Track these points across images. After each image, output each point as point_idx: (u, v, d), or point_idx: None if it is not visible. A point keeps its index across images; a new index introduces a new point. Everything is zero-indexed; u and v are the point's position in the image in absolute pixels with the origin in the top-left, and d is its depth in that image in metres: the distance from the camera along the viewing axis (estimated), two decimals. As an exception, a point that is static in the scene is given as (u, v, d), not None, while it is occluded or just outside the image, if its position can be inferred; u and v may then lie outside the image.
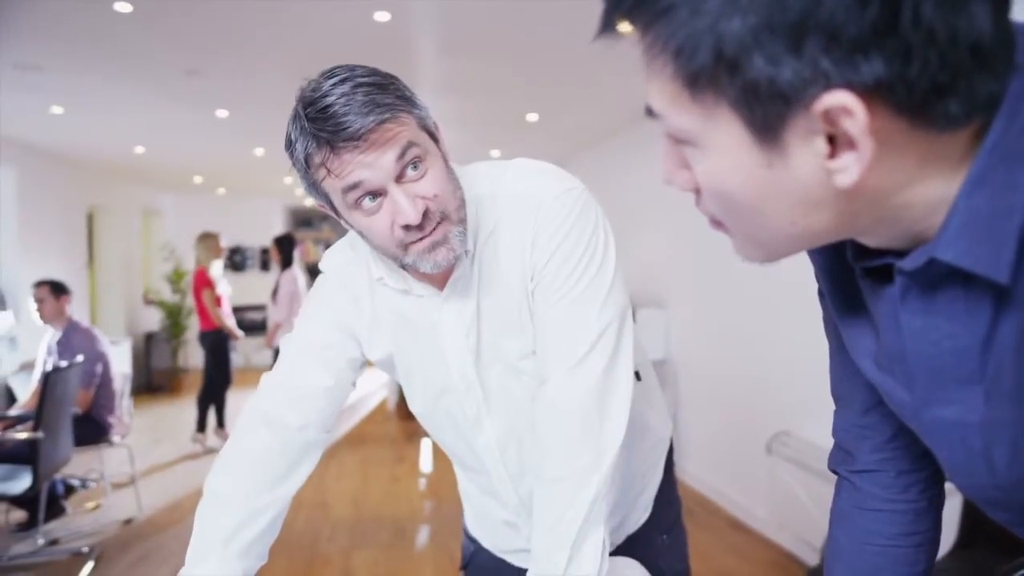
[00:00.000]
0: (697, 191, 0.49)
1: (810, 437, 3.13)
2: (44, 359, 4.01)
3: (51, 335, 4.05)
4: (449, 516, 3.93)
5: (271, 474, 0.90)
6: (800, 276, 3.38)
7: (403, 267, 0.92)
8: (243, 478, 0.88)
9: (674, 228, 4.34)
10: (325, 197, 0.86)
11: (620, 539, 1.09)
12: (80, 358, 3.76)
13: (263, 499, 0.87)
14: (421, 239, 0.84)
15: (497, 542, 1.13)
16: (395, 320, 0.97)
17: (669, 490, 1.16)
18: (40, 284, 4.01)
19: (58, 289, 4.00)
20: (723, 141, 0.43)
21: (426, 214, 0.82)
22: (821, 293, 0.65)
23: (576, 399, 0.87)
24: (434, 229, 0.84)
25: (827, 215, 0.45)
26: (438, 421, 1.02)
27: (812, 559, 2.95)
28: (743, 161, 0.43)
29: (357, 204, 0.82)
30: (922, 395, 0.50)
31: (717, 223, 0.50)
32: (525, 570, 0.94)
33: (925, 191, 0.43)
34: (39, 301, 3.97)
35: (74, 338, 3.95)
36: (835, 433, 0.73)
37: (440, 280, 0.93)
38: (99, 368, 3.92)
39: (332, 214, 0.89)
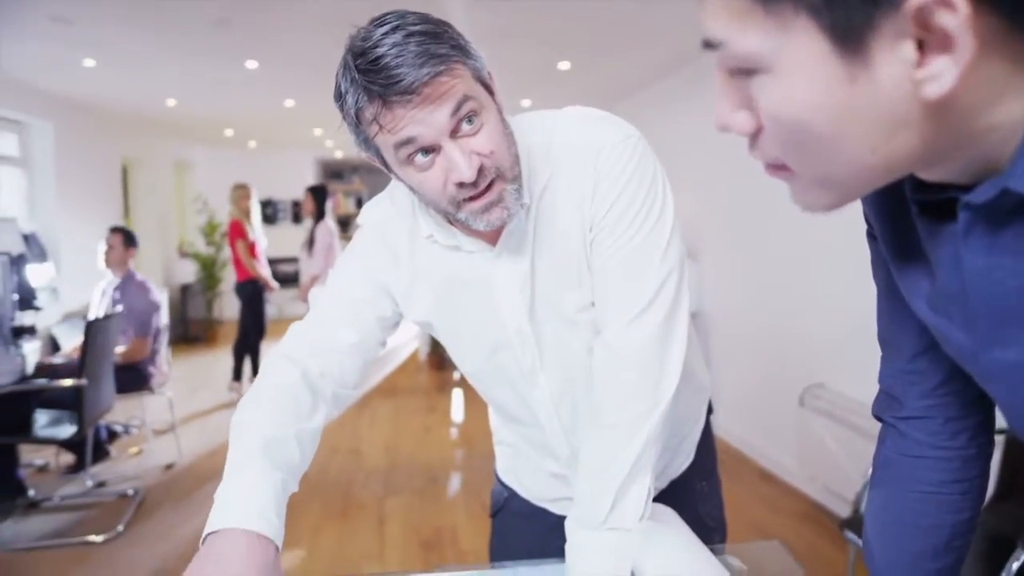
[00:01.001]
0: (756, 133, 0.46)
1: (843, 390, 3.10)
2: (98, 303, 4.12)
3: (108, 281, 4.18)
4: (480, 464, 4.00)
5: (293, 406, 0.88)
6: (835, 229, 3.31)
7: (451, 222, 0.90)
8: (267, 408, 0.87)
9: (706, 180, 4.26)
10: (376, 151, 0.83)
11: (663, 484, 1.10)
12: (119, 308, 3.85)
13: (288, 428, 0.85)
14: (475, 198, 0.82)
15: (539, 492, 1.13)
16: (441, 278, 0.95)
17: (708, 438, 1.17)
18: (115, 230, 4.16)
19: (129, 240, 4.14)
20: (799, 58, 0.40)
21: (481, 171, 0.80)
22: (871, 234, 0.63)
23: (636, 348, 0.87)
24: (488, 187, 0.81)
25: (910, 138, 0.42)
26: (491, 378, 1.01)
27: (843, 511, 2.95)
28: (822, 79, 0.40)
29: (409, 160, 0.80)
30: (983, 337, 0.48)
31: (778, 167, 0.47)
32: (561, 517, 0.95)
33: (1010, 112, 0.41)
34: (109, 247, 4.11)
35: (131, 288, 4.05)
36: (881, 379, 0.71)
37: (491, 235, 0.91)
38: (155, 320, 4.04)
39: (383, 168, 0.87)
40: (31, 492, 3.45)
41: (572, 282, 0.91)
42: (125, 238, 4.12)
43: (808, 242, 3.35)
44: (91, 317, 3.91)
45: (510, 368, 0.97)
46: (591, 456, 0.89)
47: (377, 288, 0.97)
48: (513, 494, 1.17)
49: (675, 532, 0.96)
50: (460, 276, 0.94)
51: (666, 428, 0.91)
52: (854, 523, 2.08)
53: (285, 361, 0.93)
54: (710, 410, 1.17)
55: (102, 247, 4.12)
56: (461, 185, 0.80)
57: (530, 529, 1.13)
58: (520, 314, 0.92)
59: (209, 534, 0.74)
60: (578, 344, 0.93)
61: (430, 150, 0.79)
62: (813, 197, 0.48)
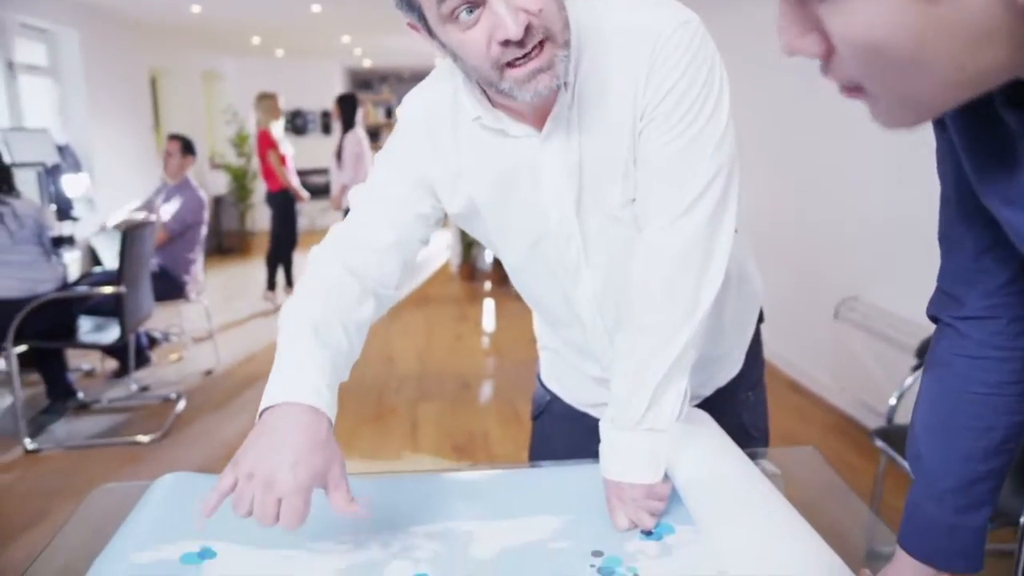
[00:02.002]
0: (828, 56, 0.41)
1: (880, 303, 3.05)
2: (151, 201, 4.18)
3: (165, 187, 4.24)
4: (512, 372, 4.05)
5: (338, 296, 0.87)
6: (877, 139, 3.16)
7: (495, 105, 0.86)
8: (312, 299, 0.87)
9: (745, 81, 4.09)
10: (417, 11, 0.78)
11: (709, 391, 1.08)
12: (165, 210, 3.93)
13: (334, 316, 0.85)
14: (522, 62, 0.76)
15: (580, 397, 1.13)
16: (484, 166, 0.91)
17: (757, 347, 1.14)
18: (173, 138, 4.19)
19: (187, 148, 4.17)
20: None
21: (528, 30, 0.74)
22: (940, 123, 0.58)
23: (679, 246, 0.84)
24: (535, 50, 0.76)
25: (1000, 49, 0.37)
26: (533, 272, 0.98)
27: (873, 423, 2.95)
28: None
29: (452, 16, 0.75)
30: None
31: (854, 89, 0.42)
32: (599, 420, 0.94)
33: None
34: (168, 154, 4.15)
35: (185, 194, 4.09)
36: (940, 278, 0.67)
37: (538, 121, 0.87)
38: (197, 232, 4.10)
39: (423, 33, 0.81)
40: (80, 395, 3.59)
41: (618, 175, 0.87)
42: (183, 146, 4.15)
43: (848, 152, 3.23)
44: (151, 216, 3.99)
45: (553, 262, 0.94)
46: (628, 357, 0.88)
47: (416, 183, 0.94)
48: (555, 398, 1.17)
49: (710, 435, 0.95)
50: (505, 164, 0.90)
51: (704, 331, 0.89)
52: (887, 433, 2.07)
53: (326, 258, 0.92)
54: (761, 318, 1.14)
55: (149, 154, 4.15)
56: (506, 44, 0.74)
57: (570, 432, 1.13)
58: (566, 204, 0.89)
59: (264, 410, 0.76)
60: (623, 242, 0.90)
61: (475, 6, 0.74)
62: (895, 118, 0.43)
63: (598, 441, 0.92)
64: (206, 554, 0.80)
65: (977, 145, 0.53)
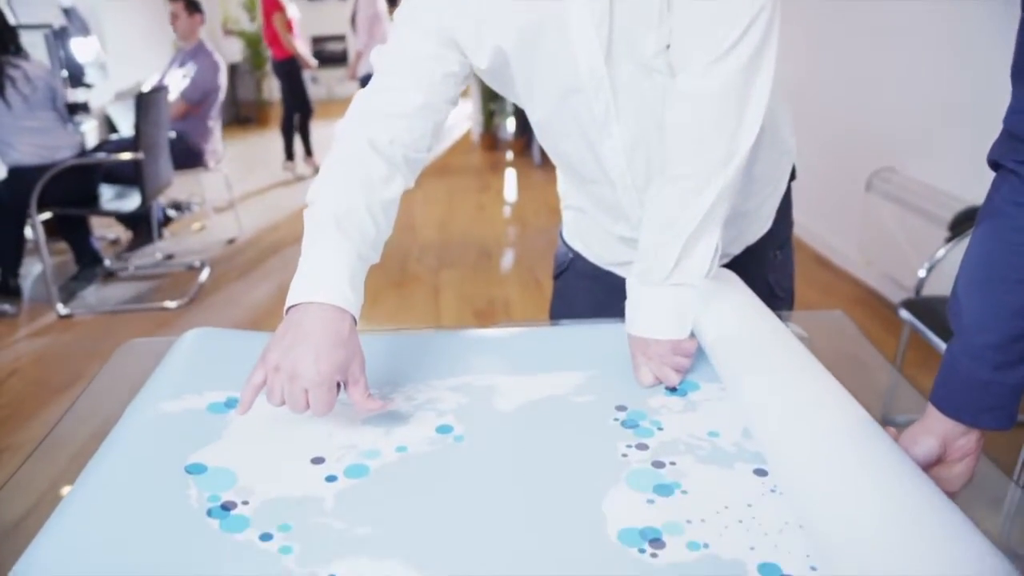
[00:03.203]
0: None
1: (915, 174, 2.94)
2: (167, 70, 4.08)
3: (179, 51, 4.14)
4: (533, 241, 4.05)
5: (363, 177, 0.85)
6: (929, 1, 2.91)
7: None
8: (336, 182, 0.84)
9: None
10: None
11: (738, 250, 1.05)
12: (183, 75, 3.84)
13: (358, 199, 0.82)
14: None
15: (605, 255, 1.10)
16: (511, 16, 0.84)
17: (787, 206, 1.10)
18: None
19: (192, 6, 4.03)
20: None
21: None
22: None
23: (716, 90, 0.79)
24: None
25: None
26: (561, 127, 0.93)
27: (897, 297, 2.92)
28: None
29: None
30: None
31: None
32: (624, 278, 0.92)
33: None
34: (173, 16, 4.02)
35: (199, 59, 3.98)
36: (1008, 118, 0.62)
37: None
38: (214, 98, 4.02)
39: None
40: (107, 262, 3.64)
41: (652, 20, 0.80)
42: (186, 5, 3.99)
43: (896, 12, 3.01)
44: (165, 81, 3.90)
45: (582, 115, 0.89)
46: (658, 208, 0.84)
47: (441, 39, 0.88)
48: (578, 256, 1.14)
49: (738, 293, 0.93)
50: (532, 12, 0.83)
51: (739, 184, 0.84)
52: (914, 305, 2.05)
53: (351, 132, 0.88)
54: (793, 175, 1.09)
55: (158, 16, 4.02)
56: None
57: (593, 290, 1.12)
58: (595, 54, 0.82)
59: (289, 307, 0.76)
60: (653, 94, 0.85)
61: None
62: None
63: (621, 300, 0.90)
64: (232, 404, 0.81)
65: None
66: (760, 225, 1.06)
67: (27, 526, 0.63)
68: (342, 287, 0.76)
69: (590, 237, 1.11)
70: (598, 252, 1.11)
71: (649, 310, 0.85)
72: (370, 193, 0.84)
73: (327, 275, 0.77)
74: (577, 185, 1.05)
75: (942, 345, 1.84)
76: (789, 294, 1.14)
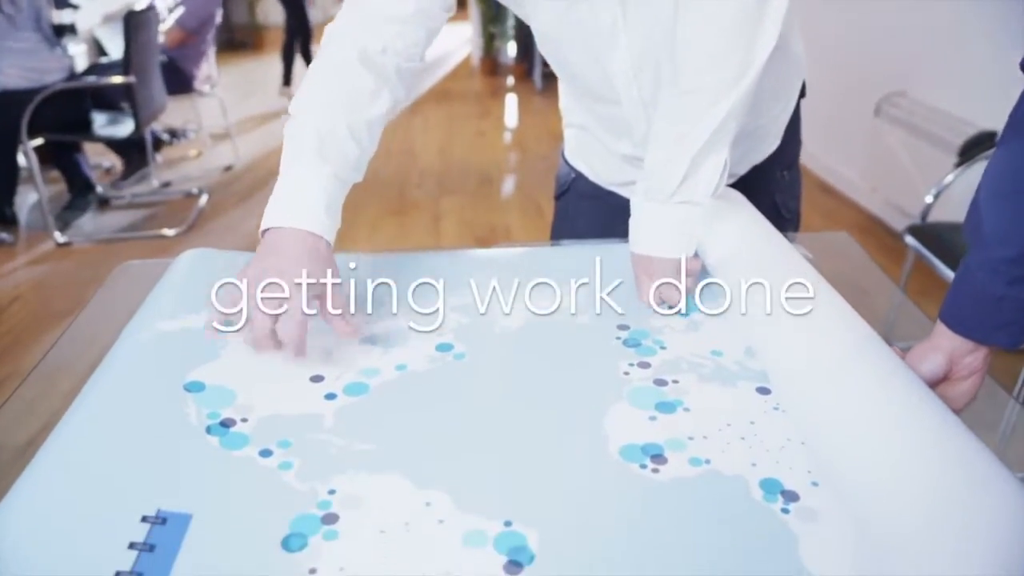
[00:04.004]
0: None
1: (927, 99, 2.87)
2: None
3: None
4: (534, 168, 4.00)
5: (349, 92, 0.81)
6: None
7: None
8: (320, 96, 0.81)
9: None
10: None
11: (745, 169, 1.02)
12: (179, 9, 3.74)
13: (340, 119, 0.79)
14: None
15: (608, 175, 1.07)
16: None
17: (796, 125, 1.07)
18: None
19: None
20: None
21: None
22: None
23: (732, 2, 0.76)
24: None
25: None
26: (567, 37, 0.89)
27: (901, 224, 2.90)
28: None
29: None
30: None
31: None
32: (627, 199, 0.90)
33: None
34: None
35: None
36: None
37: None
38: (209, 21, 3.92)
39: None
40: (99, 189, 3.59)
41: None
42: None
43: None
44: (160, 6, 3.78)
45: (587, 24, 0.85)
46: (667, 123, 0.82)
47: None
48: (580, 176, 1.11)
49: (743, 213, 0.91)
50: None
51: (750, 102, 0.81)
52: (919, 230, 2.02)
53: (340, 37, 0.83)
54: (803, 92, 1.05)
55: None
56: None
57: (595, 211, 1.09)
58: None
59: (265, 231, 0.74)
60: (664, 4, 0.81)
61: None
62: None
63: (624, 220, 0.88)
64: (229, 323, 0.80)
65: None
66: (768, 143, 1.03)
67: (34, 450, 0.62)
68: (318, 213, 0.75)
69: (592, 156, 1.08)
70: (600, 172, 1.08)
71: (653, 227, 0.83)
72: (354, 111, 0.80)
73: (304, 200, 0.75)
74: (581, 101, 1.01)
75: (947, 272, 1.83)
76: (795, 215, 1.12)
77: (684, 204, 0.82)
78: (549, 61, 0.97)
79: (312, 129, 0.78)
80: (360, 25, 0.83)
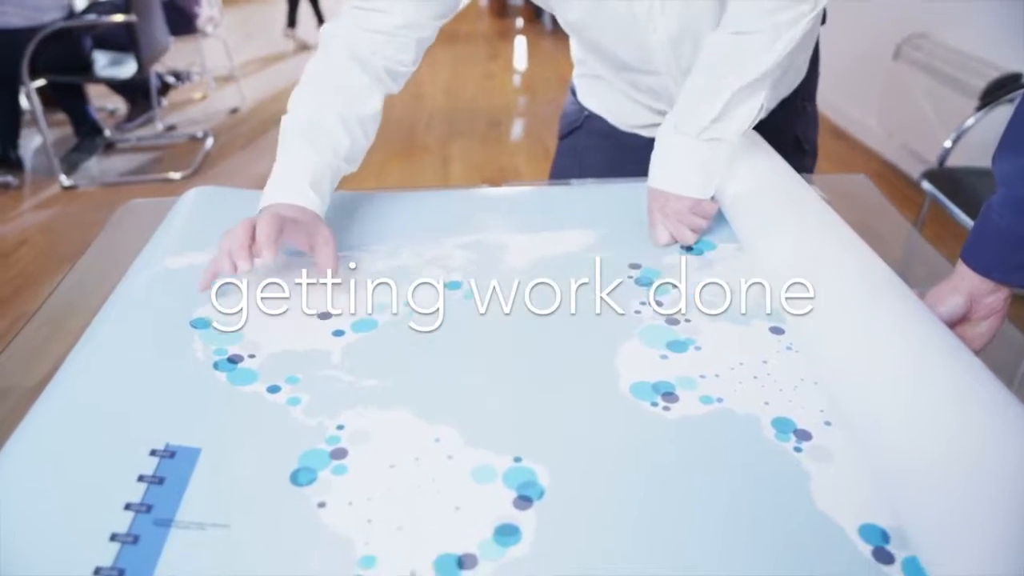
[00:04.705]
0: None
1: (949, 40, 2.78)
2: None
3: None
4: (543, 111, 3.94)
5: (344, 86, 0.83)
6: None
7: None
8: (312, 91, 0.82)
9: None
10: None
11: (774, 104, 0.99)
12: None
13: (330, 111, 0.81)
14: None
15: (629, 119, 1.04)
16: None
17: (816, 55, 1.03)
18: None
19: None
20: None
21: None
22: None
23: None
24: None
25: None
26: (599, 25, 0.87)
27: (917, 171, 2.84)
28: None
29: None
30: None
31: None
32: (649, 140, 0.87)
33: None
34: None
35: None
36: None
37: None
38: None
39: None
40: (107, 132, 3.56)
41: None
42: None
43: None
44: None
45: (622, 15, 0.83)
46: (714, 57, 0.79)
47: None
48: (594, 115, 1.07)
49: (762, 153, 0.89)
50: None
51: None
52: (936, 175, 1.98)
53: (334, 43, 0.84)
54: (824, 19, 1.01)
55: None
56: None
57: (606, 148, 1.06)
58: None
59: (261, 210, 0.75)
60: None
61: None
62: None
63: (633, 160, 0.86)
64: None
65: None
66: (794, 75, 1.00)
67: (41, 388, 0.62)
68: (304, 189, 0.76)
69: (613, 103, 1.04)
70: (619, 115, 1.04)
71: (677, 163, 0.81)
72: (347, 106, 0.82)
73: (290, 179, 0.77)
74: (605, 66, 0.98)
75: (964, 218, 1.80)
76: (814, 147, 1.09)
77: (712, 141, 0.80)
78: (573, 40, 0.94)
79: (305, 120, 0.80)
80: (352, 32, 0.84)
